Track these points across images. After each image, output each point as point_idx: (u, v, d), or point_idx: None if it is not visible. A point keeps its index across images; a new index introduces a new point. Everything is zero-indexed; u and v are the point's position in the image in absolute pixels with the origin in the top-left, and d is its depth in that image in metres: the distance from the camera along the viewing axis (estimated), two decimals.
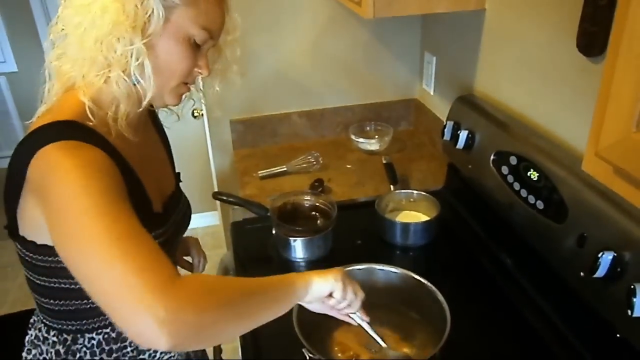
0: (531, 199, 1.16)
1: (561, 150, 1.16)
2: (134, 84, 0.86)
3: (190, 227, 1.15)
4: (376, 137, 1.94)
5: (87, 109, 0.82)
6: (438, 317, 1.01)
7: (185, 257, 1.30)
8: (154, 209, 0.97)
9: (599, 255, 0.91)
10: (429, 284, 1.07)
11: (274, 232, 1.41)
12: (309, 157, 1.83)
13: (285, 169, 1.80)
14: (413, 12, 1.44)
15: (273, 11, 1.83)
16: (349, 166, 1.85)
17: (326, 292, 0.90)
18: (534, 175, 1.15)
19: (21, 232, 0.86)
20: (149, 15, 0.81)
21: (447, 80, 1.82)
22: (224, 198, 1.49)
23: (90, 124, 0.83)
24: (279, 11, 1.84)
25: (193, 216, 1.17)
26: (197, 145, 2.76)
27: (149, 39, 0.83)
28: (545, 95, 1.25)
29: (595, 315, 1.00)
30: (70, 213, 0.70)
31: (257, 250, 1.46)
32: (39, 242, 0.84)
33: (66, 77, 0.86)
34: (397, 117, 2.10)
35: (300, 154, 1.86)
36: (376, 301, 1.12)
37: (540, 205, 1.13)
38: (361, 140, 1.92)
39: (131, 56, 0.82)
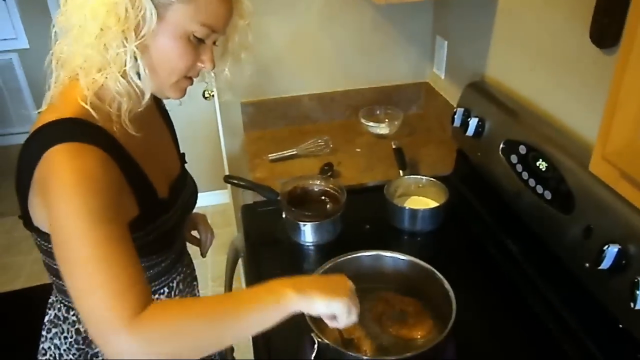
0: (539, 189, 1.17)
1: (571, 141, 1.16)
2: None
3: (200, 205, 1.17)
4: (386, 121, 1.95)
5: (89, 106, 0.83)
6: (444, 304, 1.03)
7: (192, 233, 1.33)
8: (159, 196, 0.98)
9: (605, 247, 0.92)
10: (435, 271, 1.09)
11: (284, 215, 1.44)
12: (319, 141, 1.84)
13: (295, 152, 1.82)
14: None
15: None
16: (358, 150, 1.86)
17: (326, 316, 0.85)
18: (542, 165, 1.16)
19: (35, 223, 0.88)
20: (142, 16, 0.79)
21: (458, 64, 1.81)
22: (235, 182, 1.51)
23: (94, 119, 0.84)
24: None
25: (203, 194, 1.19)
26: (209, 125, 2.78)
27: (143, 39, 0.81)
28: (556, 84, 1.24)
29: (598, 306, 1.01)
30: (61, 236, 0.75)
31: (267, 233, 1.48)
32: None
33: (71, 67, 0.86)
34: (408, 101, 2.09)
35: (310, 137, 1.87)
36: (383, 287, 1.15)
37: (548, 195, 1.14)
38: (371, 124, 1.92)
39: (125, 57, 0.81)
